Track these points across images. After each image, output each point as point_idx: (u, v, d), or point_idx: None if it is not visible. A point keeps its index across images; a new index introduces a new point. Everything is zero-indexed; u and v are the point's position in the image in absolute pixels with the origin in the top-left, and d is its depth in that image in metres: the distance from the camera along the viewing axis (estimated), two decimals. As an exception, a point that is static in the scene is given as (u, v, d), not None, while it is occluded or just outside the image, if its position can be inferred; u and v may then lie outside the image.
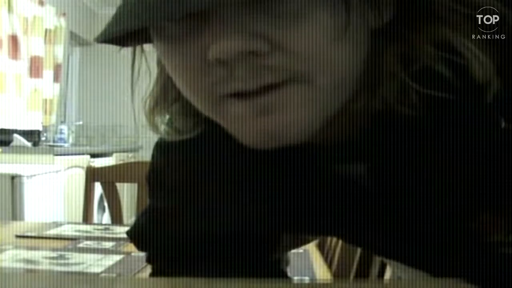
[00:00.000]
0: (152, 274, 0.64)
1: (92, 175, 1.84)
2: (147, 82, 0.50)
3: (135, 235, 0.64)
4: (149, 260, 0.65)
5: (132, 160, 4.27)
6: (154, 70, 0.51)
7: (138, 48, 0.47)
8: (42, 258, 1.08)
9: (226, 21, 0.37)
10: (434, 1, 0.42)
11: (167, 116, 0.52)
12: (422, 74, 0.42)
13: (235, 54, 0.37)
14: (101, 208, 3.50)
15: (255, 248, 0.61)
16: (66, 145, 4.18)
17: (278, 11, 0.37)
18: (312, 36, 0.37)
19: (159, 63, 0.50)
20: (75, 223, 1.56)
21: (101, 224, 1.65)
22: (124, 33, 0.38)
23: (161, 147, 0.59)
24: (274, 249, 0.64)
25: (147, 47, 0.47)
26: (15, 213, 2.46)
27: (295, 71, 0.38)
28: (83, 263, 1.04)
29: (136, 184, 1.83)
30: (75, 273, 0.98)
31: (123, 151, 4.65)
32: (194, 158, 0.56)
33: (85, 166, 1.96)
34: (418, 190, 0.47)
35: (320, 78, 0.38)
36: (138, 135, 5.33)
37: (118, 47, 0.43)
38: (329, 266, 1.32)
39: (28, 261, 1.05)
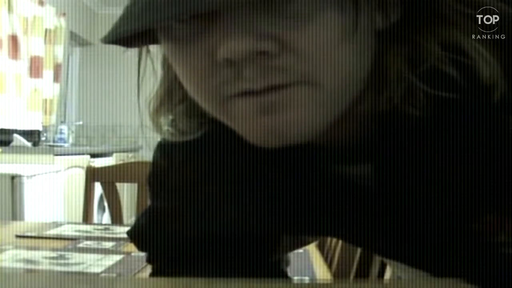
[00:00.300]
0: (152, 274, 0.64)
1: (92, 175, 1.84)
2: (152, 83, 0.51)
3: (135, 235, 0.64)
4: (149, 260, 0.65)
5: (132, 160, 4.27)
6: (159, 71, 0.51)
7: (144, 49, 0.47)
8: (42, 258, 1.08)
9: (235, 21, 0.37)
10: (439, 2, 0.42)
11: (171, 117, 0.52)
12: (429, 74, 0.42)
13: (244, 54, 0.37)
14: (101, 208, 3.49)
15: (255, 249, 0.61)
16: (66, 145, 4.18)
17: (287, 11, 0.37)
18: (320, 37, 0.37)
19: (163, 64, 0.50)
20: (75, 223, 1.56)
21: (101, 224, 1.65)
22: (131, 34, 0.38)
23: (163, 148, 0.59)
24: (275, 250, 0.64)
25: (153, 48, 0.47)
26: (15, 213, 2.46)
27: (303, 72, 0.38)
28: (83, 263, 1.04)
29: (136, 184, 1.83)
30: (75, 273, 0.98)
31: (123, 151, 4.65)
32: (196, 159, 0.56)
33: (85, 166, 1.96)
34: (424, 190, 0.47)
35: (328, 80, 0.38)
36: (138, 135, 5.33)
37: (123, 48, 0.43)
38: (329, 266, 1.32)
39: (28, 261, 1.05)
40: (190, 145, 0.53)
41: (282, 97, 0.38)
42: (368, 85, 0.43)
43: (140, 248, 0.65)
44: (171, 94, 0.50)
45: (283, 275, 0.67)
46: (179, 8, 0.34)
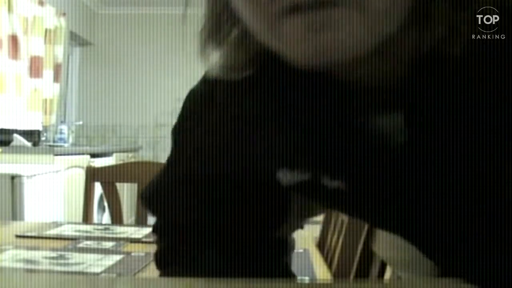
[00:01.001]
0: (157, 254, 0.63)
1: (92, 175, 1.84)
2: (200, 14, 0.51)
3: (148, 195, 0.64)
4: (156, 229, 0.64)
5: (132, 160, 4.28)
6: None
7: None
8: (42, 258, 1.08)
9: None
10: None
11: (219, 52, 0.52)
12: (473, 17, 0.42)
13: None
14: (101, 208, 3.50)
15: (264, 218, 0.61)
16: (66, 145, 4.18)
17: None
18: None
19: None
20: (75, 223, 1.56)
21: (101, 224, 1.65)
22: None
23: (193, 95, 0.60)
24: (283, 220, 0.63)
25: None
26: (15, 213, 2.46)
27: None
28: (83, 263, 1.05)
29: (136, 184, 1.83)
30: (75, 273, 0.98)
31: (123, 151, 4.65)
32: (225, 105, 0.56)
33: (85, 166, 1.96)
34: (461, 145, 0.46)
35: (372, 2, 0.39)
36: (138, 135, 5.34)
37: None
38: (329, 266, 1.32)
39: (28, 261, 1.05)
40: (221, 90, 0.55)
41: (330, 16, 0.39)
42: (410, 23, 0.43)
43: (150, 210, 0.64)
44: (220, 25, 0.50)
45: (291, 275, 0.66)
46: None
